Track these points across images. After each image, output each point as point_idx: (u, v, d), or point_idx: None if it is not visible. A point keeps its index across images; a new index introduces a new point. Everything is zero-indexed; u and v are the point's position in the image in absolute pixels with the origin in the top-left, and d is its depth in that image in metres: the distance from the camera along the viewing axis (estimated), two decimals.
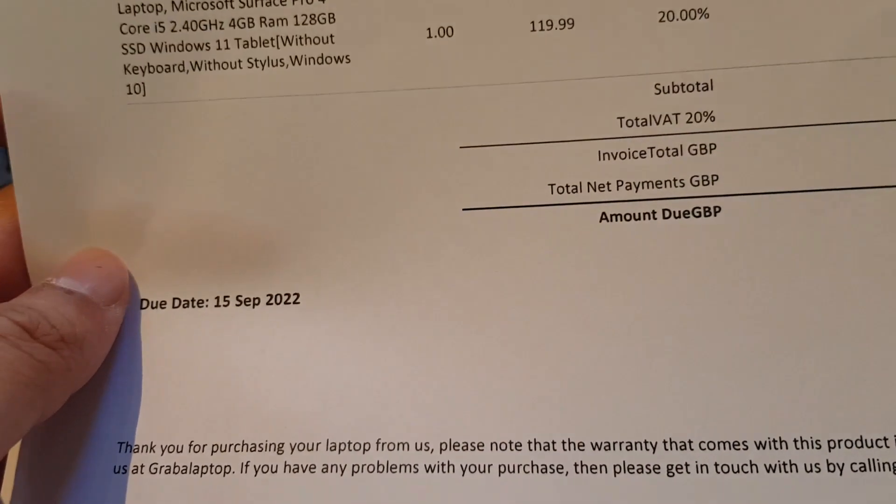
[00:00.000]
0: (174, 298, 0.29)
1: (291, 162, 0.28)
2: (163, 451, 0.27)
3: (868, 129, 0.27)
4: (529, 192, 0.28)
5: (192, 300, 0.29)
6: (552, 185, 0.28)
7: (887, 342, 0.26)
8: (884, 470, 0.25)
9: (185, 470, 0.27)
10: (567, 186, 0.28)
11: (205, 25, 0.28)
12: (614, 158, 0.27)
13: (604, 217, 0.27)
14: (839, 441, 0.25)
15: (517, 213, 0.28)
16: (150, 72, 0.29)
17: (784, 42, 0.27)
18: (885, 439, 0.25)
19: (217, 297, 0.29)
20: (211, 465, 0.27)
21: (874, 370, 0.26)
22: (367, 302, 0.28)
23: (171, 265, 0.29)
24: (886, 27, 0.27)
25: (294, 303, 0.28)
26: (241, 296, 0.29)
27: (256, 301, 0.28)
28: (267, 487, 0.26)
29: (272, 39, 0.28)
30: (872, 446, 0.25)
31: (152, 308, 0.29)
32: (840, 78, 0.27)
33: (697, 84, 0.27)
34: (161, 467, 0.27)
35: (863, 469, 0.25)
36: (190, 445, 0.27)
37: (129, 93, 0.29)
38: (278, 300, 0.28)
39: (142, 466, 0.27)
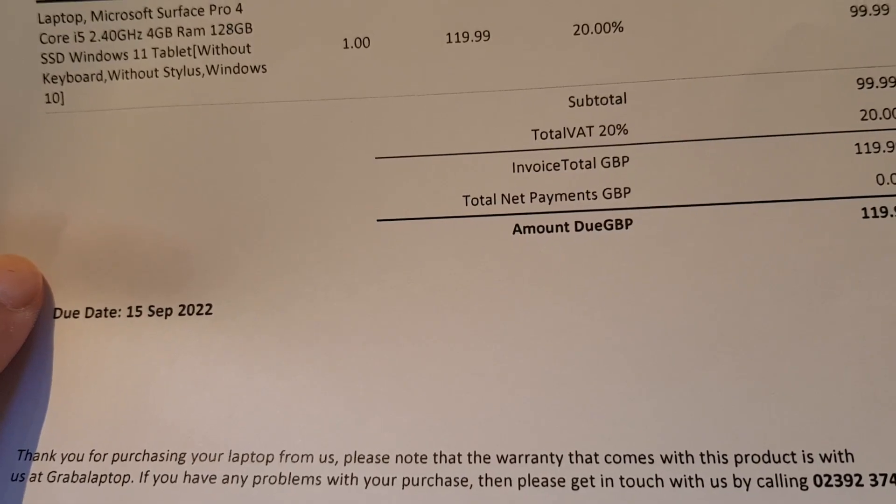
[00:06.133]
0: (87, 308, 0.28)
1: (206, 171, 0.28)
2: (63, 460, 0.27)
3: (779, 143, 0.26)
4: (444, 204, 0.28)
5: (105, 310, 0.28)
6: (466, 196, 0.27)
7: (795, 356, 0.25)
8: (791, 486, 0.24)
9: (84, 478, 0.26)
10: (481, 198, 0.27)
11: (123, 35, 0.29)
12: (528, 171, 0.27)
13: (517, 229, 0.27)
14: (746, 455, 0.25)
15: (431, 224, 0.27)
16: (68, 81, 0.29)
17: (697, 56, 0.27)
18: (793, 454, 0.25)
19: (130, 307, 0.28)
20: (110, 474, 0.26)
21: (782, 384, 0.25)
22: (279, 313, 0.28)
23: (85, 274, 0.29)
24: (798, 41, 0.27)
25: (206, 313, 0.28)
26: (153, 306, 0.28)
27: (169, 311, 0.28)
28: (166, 497, 0.26)
29: (189, 49, 0.28)
30: (780, 461, 0.25)
31: (65, 317, 0.28)
32: (752, 92, 0.27)
33: (611, 97, 0.27)
34: (60, 475, 0.27)
35: (770, 484, 0.24)
36: (91, 454, 0.27)
37: (48, 102, 0.29)
38: (191, 310, 0.28)
39: (40, 475, 0.27)
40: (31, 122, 0.29)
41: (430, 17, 0.28)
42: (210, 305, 0.28)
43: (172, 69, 0.28)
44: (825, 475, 0.24)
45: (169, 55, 0.28)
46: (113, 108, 0.29)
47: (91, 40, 0.29)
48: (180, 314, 0.28)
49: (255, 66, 0.28)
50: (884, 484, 0.24)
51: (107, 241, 0.28)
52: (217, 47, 0.28)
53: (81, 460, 0.27)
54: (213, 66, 0.28)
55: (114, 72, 0.29)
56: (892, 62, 0.26)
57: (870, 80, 0.26)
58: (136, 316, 0.28)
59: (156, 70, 0.28)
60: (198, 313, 0.28)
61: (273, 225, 0.28)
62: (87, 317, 0.28)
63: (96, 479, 0.26)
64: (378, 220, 0.28)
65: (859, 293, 0.25)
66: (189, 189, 0.28)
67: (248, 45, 0.28)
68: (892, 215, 0.26)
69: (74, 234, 0.29)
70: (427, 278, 0.27)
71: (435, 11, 0.28)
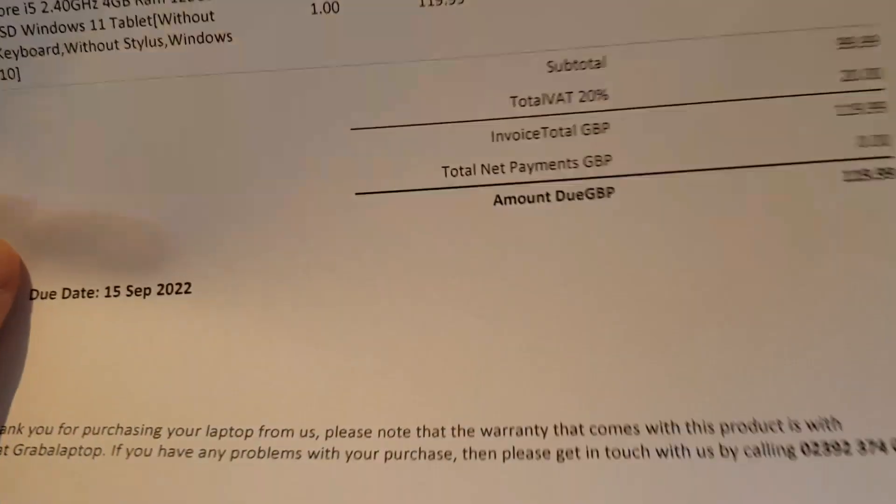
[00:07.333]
0: (64, 289, 0.28)
1: (175, 147, 0.27)
2: (30, 433, 0.26)
3: (762, 106, 0.26)
4: (423, 175, 0.27)
5: (83, 290, 0.28)
6: (446, 167, 0.27)
7: (780, 324, 0.25)
8: (778, 454, 0.24)
9: (52, 451, 0.26)
10: (461, 169, 0.27)
11: (77, 5, 0.27)
12: (507, 139, 0.27)
13: (498, 200, 0.27)
14: (732, 425, 0.25)
15: (411, 196, 0.27)
16: (23, 55, 0.28)
17: (678, 16, 0.26)
18: (780, 423, 0.25)
19: (108, 287, 0.28)
20: (80, 447, 0.26)
21: (768, 353, 0.25)
22: (258, 289, 0.27)
23: (60, 255, 0.28)
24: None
25: (185, 292, 0.27)
26: (131, 286, 0.28)
27: (147, 291, 0.28)
28: (139, 470, 0.26)
29: (149, 18, 0.27)
30: (766, 430, 0.25)
31: (42, 298, 0.28)
32: (735, 53, 0.26)
33: (590, 61, 0.27)
34: (26, 448, 0.26)
35: (756, 453, 0.24)
36: (60, 427, 0.26)
37: (3, 78, 0.28)
38: (169, 290, 0.28)
39: (6, 448, 0.26)
40: None
41: None
42: (189, 284, 0.27)
43: (133, 40, 0.27)
44: (812, 443, 0.24)
45: (128, 25, 0.27)
46: (74, 83, 0.27)
47: (43, 11, 0.27)
48: (159, 293, 0.28)
49: (219, 35, 0.27)
50: (872, 451, 0.24)
51: (80, 221, 0.28)
52: (178, 16, 0.27)
53: (50, 433, 0.26)
54: (175, 36, 0.27)
55: (71, 44, 0.27)
56: (873, 20, 0.26)
57: (850, 40, 0.26)
58: (115, 296, 0.28)
59: (115, 41, 0.27)
60: (177, 292, 0.27)
61: (249, 201, 0.27)
62: (64, 297, 0.28)
63: (65, 451, 0.26)
64: (356, 194, 0.27)
65: (842, 258, 0.25)
66: (160, 165, 0.28)
67: (210, 13, 0.27)
68: (874, 178, 0.26)
69: (45, 215, 0.28)
70: (408, 252, 0.27)
71: None
